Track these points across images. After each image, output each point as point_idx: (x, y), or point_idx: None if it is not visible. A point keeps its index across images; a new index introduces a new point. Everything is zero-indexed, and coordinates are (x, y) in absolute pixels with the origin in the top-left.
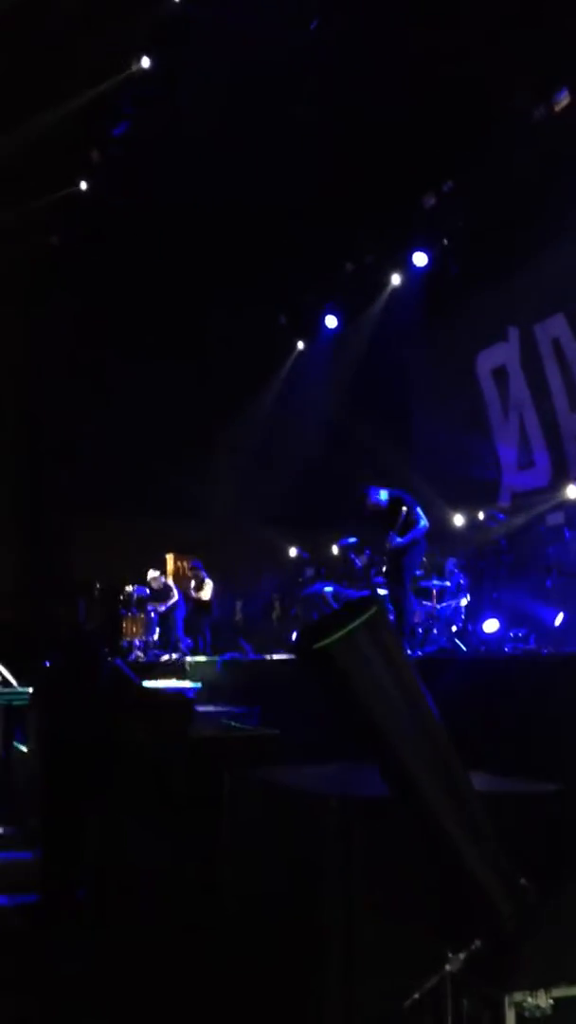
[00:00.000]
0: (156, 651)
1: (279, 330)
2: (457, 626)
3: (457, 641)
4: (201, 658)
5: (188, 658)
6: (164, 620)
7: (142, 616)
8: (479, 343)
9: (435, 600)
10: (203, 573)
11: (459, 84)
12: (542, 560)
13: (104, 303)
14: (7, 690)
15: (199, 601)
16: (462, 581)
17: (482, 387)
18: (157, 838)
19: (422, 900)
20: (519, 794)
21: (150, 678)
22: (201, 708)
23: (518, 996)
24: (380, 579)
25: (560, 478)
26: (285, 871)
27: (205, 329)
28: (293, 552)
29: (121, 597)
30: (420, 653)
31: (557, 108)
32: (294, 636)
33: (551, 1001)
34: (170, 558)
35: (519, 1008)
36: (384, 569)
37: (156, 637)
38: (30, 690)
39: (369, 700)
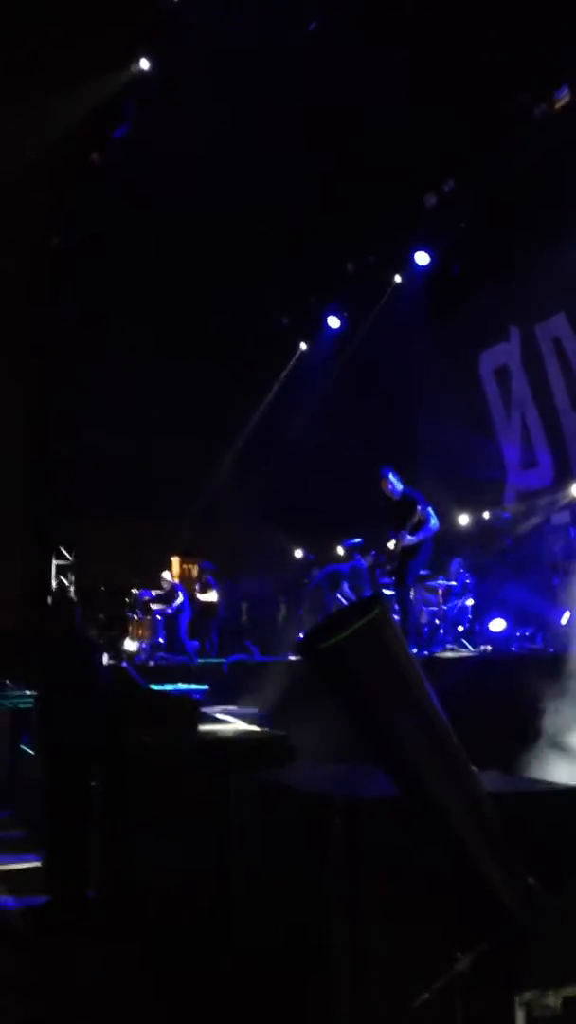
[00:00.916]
0: (162, 654)
1: (282, 331)
2: (463, 626)
3: (464, 641)
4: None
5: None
6: (170, 623)
7: (148, 619)
8: (481, 343)
9: (441, 600)
10: (209, 576)
11: (460, 83)
12: (548, 559)
13: (106, 304)
14: (15, 694)
15: (205, 604)
16: (468, 581)
17: (484, 387)
18: (165, 840)
19: (430, 900)
20: (528, 793)
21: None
22: (208, 710)
23: (528, 996)
24: (385, 579)
25: (564, 477)
26: (292, 873)
27: (208, 330)
28: (299, 553)
29: (127, 600)
30: (426, 653)
31: (558, 106)
32: (300, 636)
33: (561, 1001)
34: (175, 560)
35: (529, 1008)
36: (389, 568)
37: (162, 640)
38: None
39: (375, 700)
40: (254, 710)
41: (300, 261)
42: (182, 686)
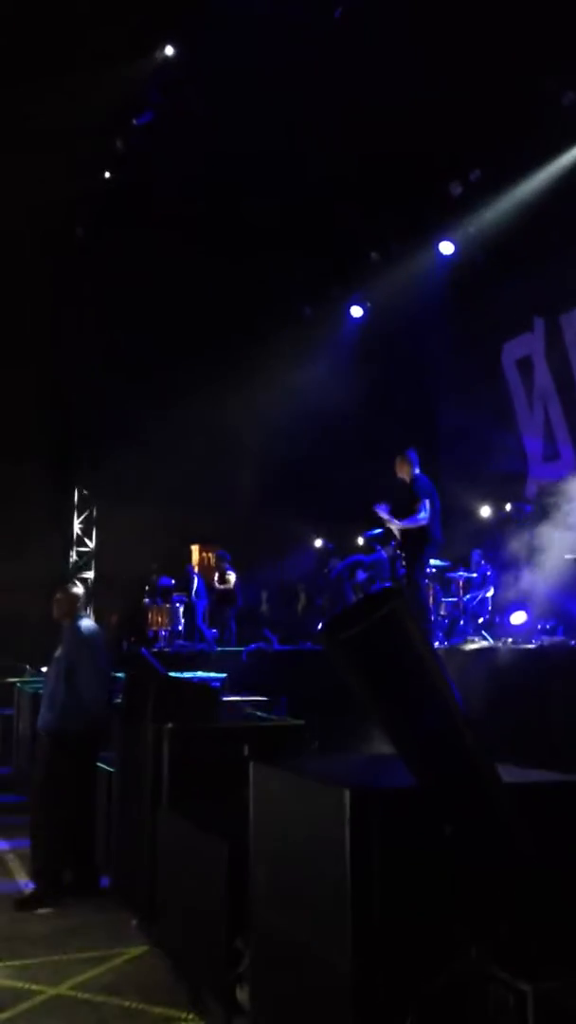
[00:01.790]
0: (181, 641)
1: (304, 320)
2: (484, 618)
3: (484, 633)
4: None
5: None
6: (189, 610)
7: (167, 606)
8: (504, 333)
9: (461, 591)
10: (227, 564)
11: (486, 70)
12: (569, 551)
13: (128, 294)
14: (37, 679)
15: (223, 592)
16: (489, 572)
17: (507, 378)
18: (179, 828)
19: (444, 891)
20: (547, 785)
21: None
22: (227, 698)
23: (543, 986)
24: (405, 570)
25: None
26: (308, 862)
27: (230, 320)
28: (318, 543)
29: (147, 587)
30: (447, 644)
31: None
32: (320, 626)
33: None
34: (195, 548)
35: (540, 999)
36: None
37: (181, 627)
38: None
39: (394, 690)
40: (272, 699)
41: (323, 250)
42: (201, 674)
